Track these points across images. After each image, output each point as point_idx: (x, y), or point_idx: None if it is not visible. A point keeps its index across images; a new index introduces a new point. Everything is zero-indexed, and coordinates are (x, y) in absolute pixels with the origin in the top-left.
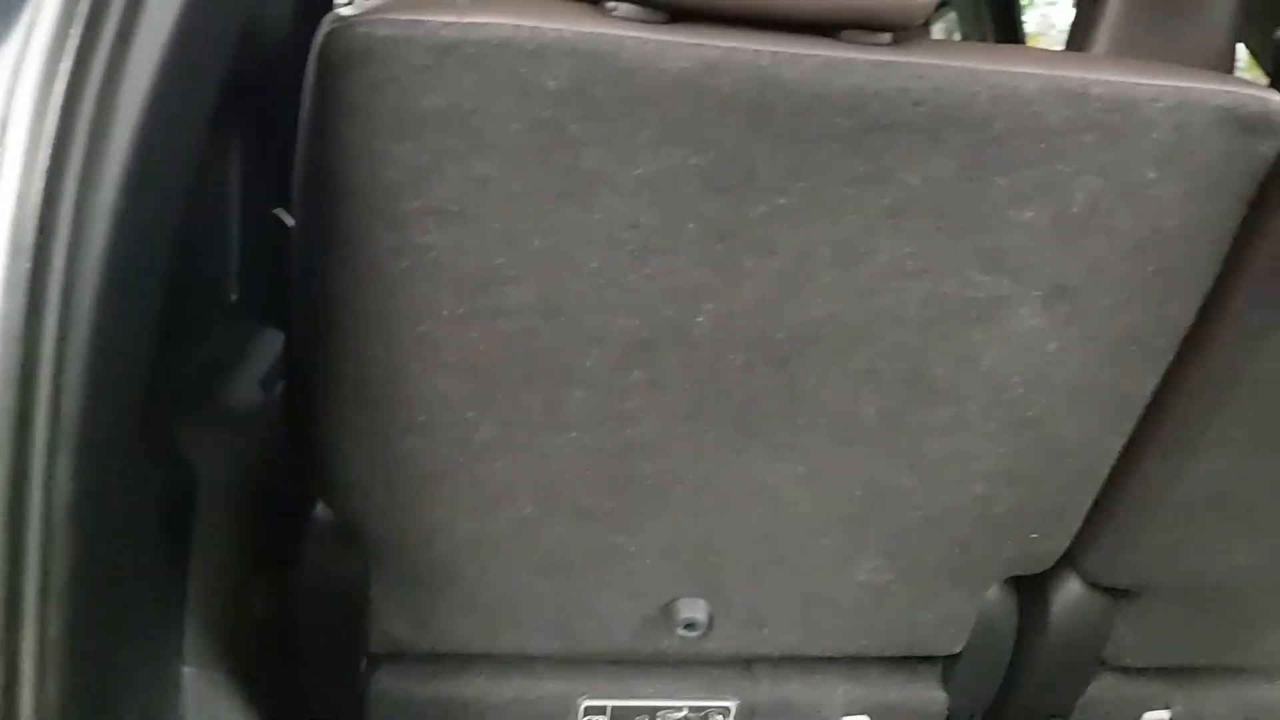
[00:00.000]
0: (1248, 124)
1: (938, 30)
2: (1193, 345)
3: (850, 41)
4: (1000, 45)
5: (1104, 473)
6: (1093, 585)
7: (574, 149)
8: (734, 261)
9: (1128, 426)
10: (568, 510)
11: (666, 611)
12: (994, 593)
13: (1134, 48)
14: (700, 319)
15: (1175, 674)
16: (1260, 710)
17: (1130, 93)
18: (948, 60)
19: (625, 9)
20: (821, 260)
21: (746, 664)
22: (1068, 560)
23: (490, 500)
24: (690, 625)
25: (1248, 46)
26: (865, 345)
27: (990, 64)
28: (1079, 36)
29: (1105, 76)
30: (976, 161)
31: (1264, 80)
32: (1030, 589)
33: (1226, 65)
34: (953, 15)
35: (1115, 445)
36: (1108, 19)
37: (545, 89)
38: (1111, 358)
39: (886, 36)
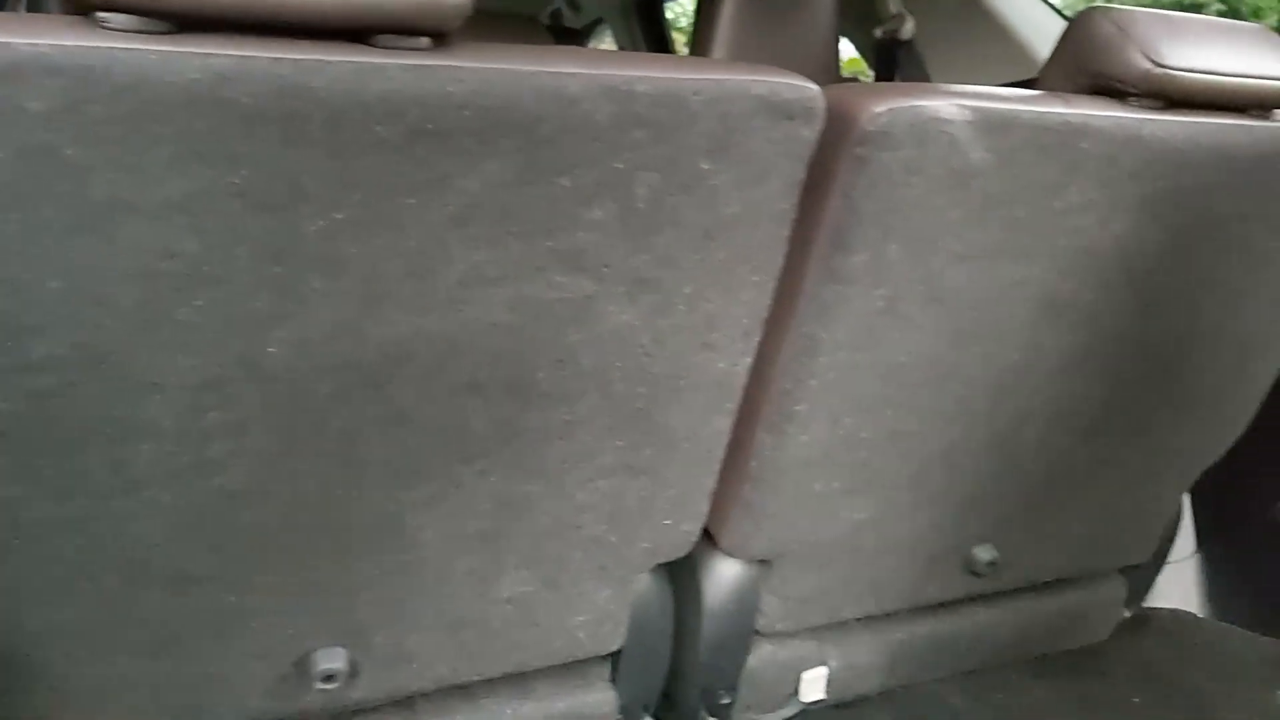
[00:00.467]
0: (786, 110)
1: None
2: (775, 323)
3: (386, 47)
4: (553, 48)
5: (720, 452)
6: (736, 560)
7: (77, 176)
8: (299, 284)
9: (731, 406)
10: (162, 579)
11: (301, 667)
12: (645, 583)
13: (746, 51)
14: (273, 349)
15: (825, 630)
16: (905, 648)
17: (673, 88)
18: (489, 63)
19: (120, 20)
20: (395, 274)
21: (406, 703)
22: (710, 540)
23: (63, 583)
24: (330, 677)
25: (854, 44)
26: (462, 357)
27: (533, 65)
28: (699, 48)
29: (649, 73)
30: (533, 163)
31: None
32: (681, 573)
33: (831, 61)
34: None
35: (724, 425)
36: (721, 29)
37: (28, 112)
38: (702, 344)
39: (424, 41)
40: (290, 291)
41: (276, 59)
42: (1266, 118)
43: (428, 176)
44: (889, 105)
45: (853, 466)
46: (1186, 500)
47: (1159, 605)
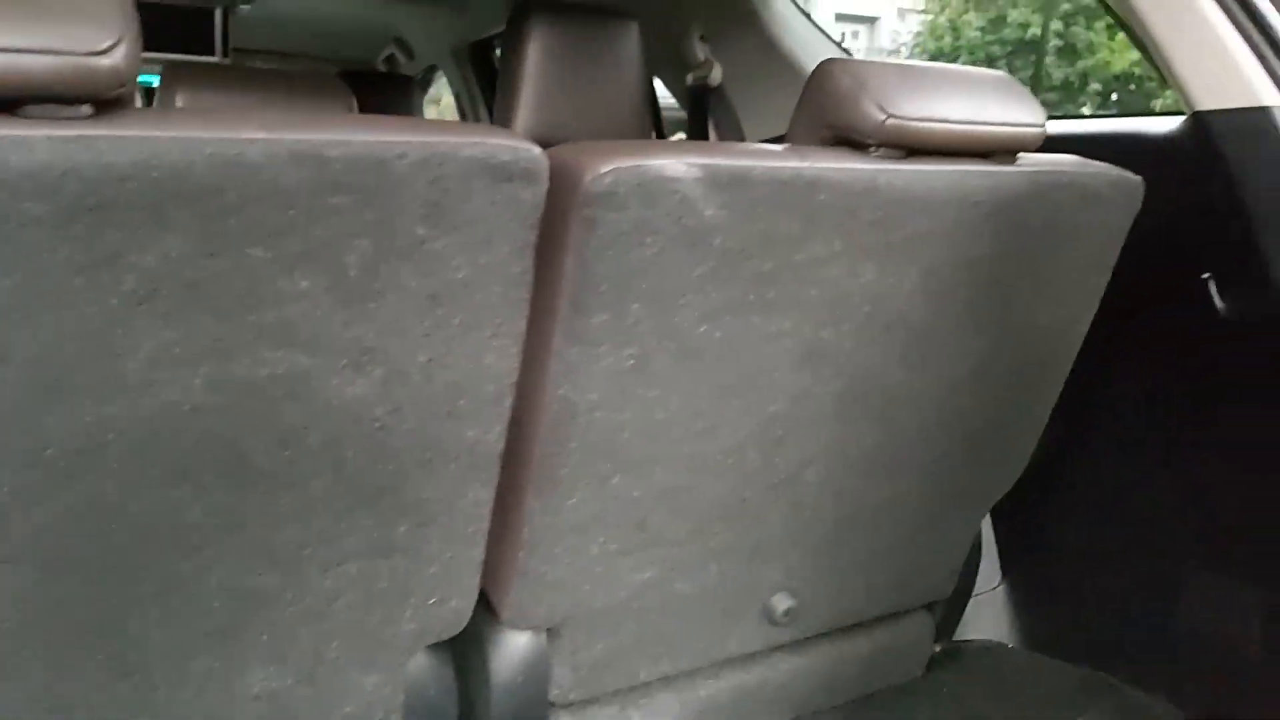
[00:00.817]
0: (504, 172)
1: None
2: (528, 386)
3: (39, 118)
4: (238, 113)
5: (484, 523)
6: (520, 630)
7: None
8: None
9: (490, 475)
10: None
11: None
12: (420, 664)
13: (552, 102)
14: None
15: (625, 694)
16: (710, 704)
17: (372, 151)
18: (156, 130)
19: None
20: (71, 359)
21: None
22: (492, 612)
23: None
24: None
25: (669, 89)
26: (164, 444)
27: (208, 131)
28: (503, 101)
29: (342, 136)
30: (217, 235)
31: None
32: (464, 649)
33: (643, 108)
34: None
35: (484, 495)
36: (526, 81)
37: None
38: (447, 413)
39: (85, 109)
40: None
41: None
42: (1010, 162)
43: (94, 255)
44: (613, 166)
45: (628, 526)
46: (990, 531)
47: (970, 638)
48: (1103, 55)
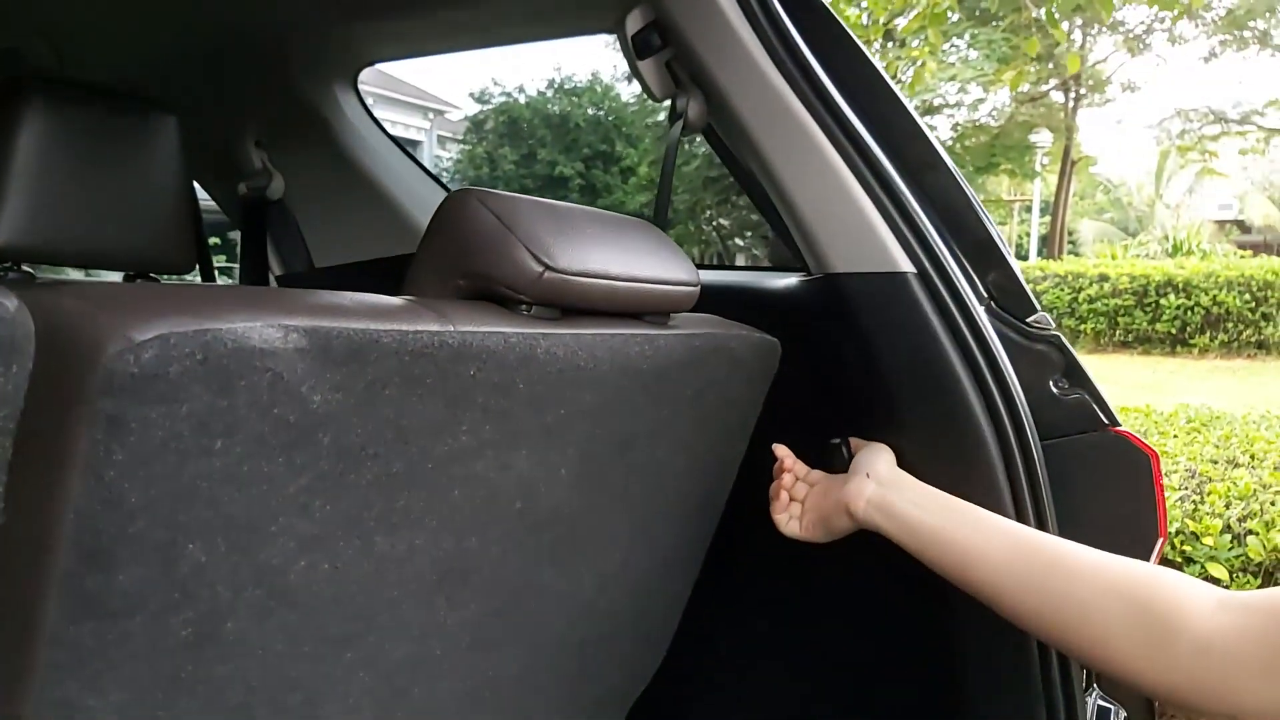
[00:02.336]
0: None
1: None
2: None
3: None
4: None
5: None
6: None
7: None
8: None
9: None
10: None
11: None
12: None
13: (55, 209)
14: None
15: None
16: None
17: None
18: None
19: None
20: None
21: None
22: None
23: None
24: None
25: (216, 200)
26: None
27: None
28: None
29: None
30: None
31: None
32: None
33: (185, 223)
34: None
35: None
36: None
37: None
38: None
39: None
40: None
41: None
42: (664, 324)
43: None
44: (160, 331)
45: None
46: None
47: None
48: (617, 195)
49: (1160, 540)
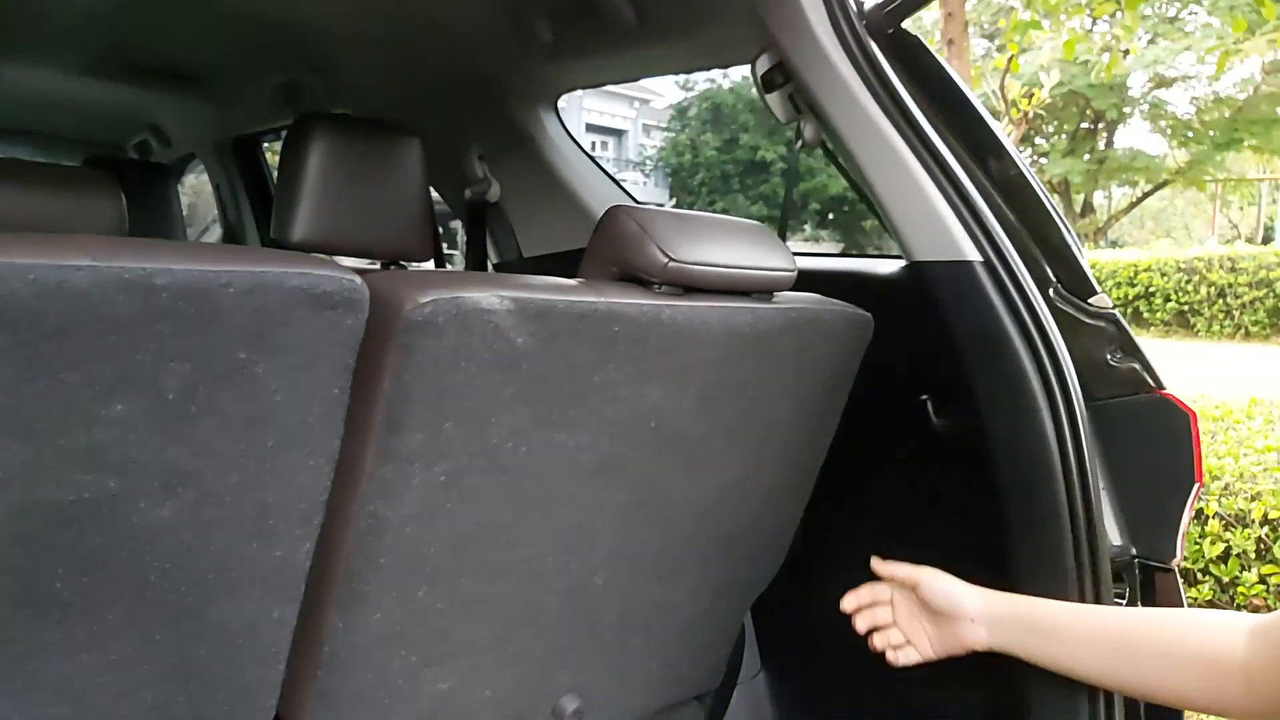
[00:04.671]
0: (327, 301)
1: None
2: (338, 504)
3: None
4: (58, 236)
5: (285, 643)
6: None
7: None
8: None
9: (295, 593)
10: None
11: None
12: None
13: (331, 211)
14: None
15: None
16: None
17: (200, 281)
18: None
19: None
20: None
21: None
22: None
23: None
24: None
25: (446, 203)
26: None
27: (32, 256)
28: (281, 212)
29: (171, 265)
30: (34, 360)
31: None
32: None
33: (424, 222)
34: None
35: (288, 614)
36: (306, 191)
37: None
38: (255, 533)
39: None
40: None
41: None
42: (767, 300)
43: None
44: (433, 297)
45: (430, 638)
46: (750, 624)
47: None
48: (821, 179)
49: (1197, 486)
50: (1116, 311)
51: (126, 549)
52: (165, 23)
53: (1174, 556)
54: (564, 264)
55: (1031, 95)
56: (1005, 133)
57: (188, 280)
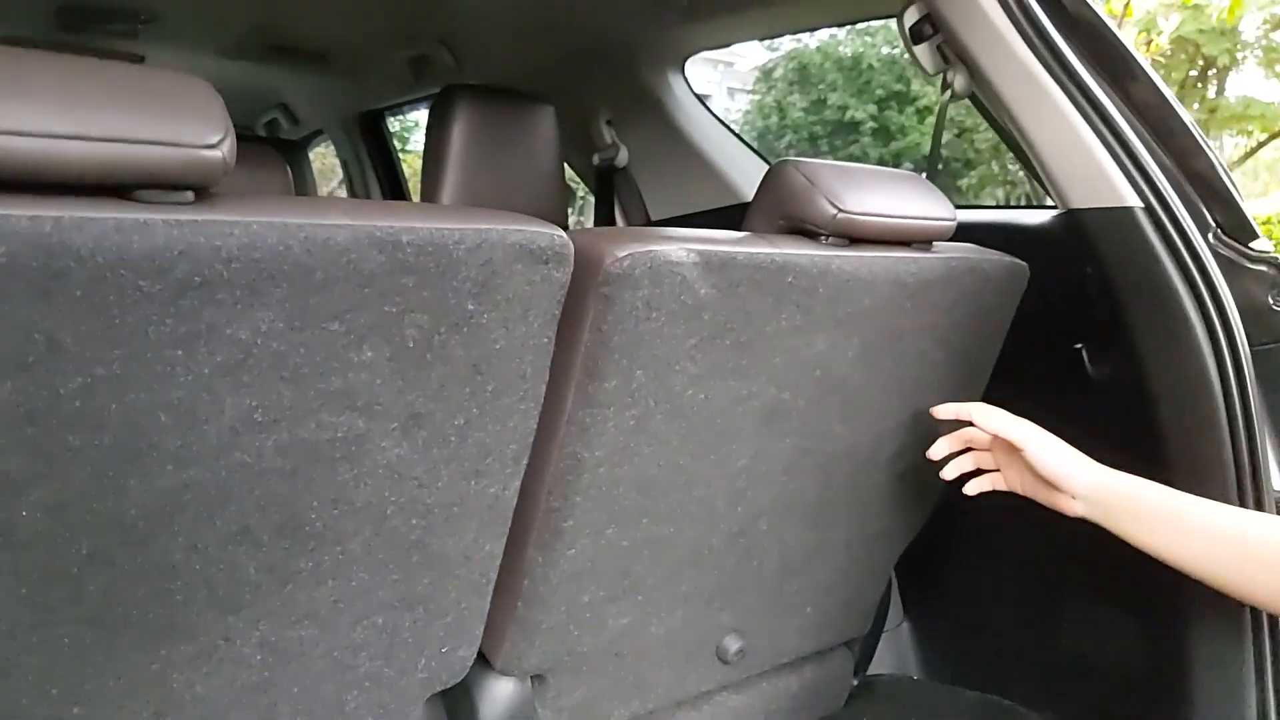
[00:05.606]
0: (541, 256)
1: None
2: (541, 446)
3: (148, 202)
4: (322, 199)
5: (493, 575)
6: (510, 678)
7: None
8: (54, 443)
9: (503, 528)
10: None
11: None
12: (419, 714)
13: (474, 179)
14: (25, 513)
15: None
16: None
17: (438, 238)
18: (257, 216)
19: None
20: (160, 426)
21: None
22: (484, 661)
23: None
24: None
25: (574, 169)
26: (232, 505)
27: (302, 217)
28: (429, 178)
29: (414, 224)
30: (303, 311)
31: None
32: (456, 698)
33: (557, 187)
34: None
35: (498, 548)
36: (451, 160)
37: None
38: (474, 471)
39: (188, 195)
40: (44, 452)
41: (34, 216)
42: (927, 250)
43: (193, 328)
44: (629, 250)
45: (615, 575)
46: (895, 576)
47: (880, 672)
48: (912, 138)
49: None
50: (1277, 255)
51: (370, 484)
52: (301, 4)
53: None
54: (694, 225)
55: (1150, 43)
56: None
57: (428, 237)
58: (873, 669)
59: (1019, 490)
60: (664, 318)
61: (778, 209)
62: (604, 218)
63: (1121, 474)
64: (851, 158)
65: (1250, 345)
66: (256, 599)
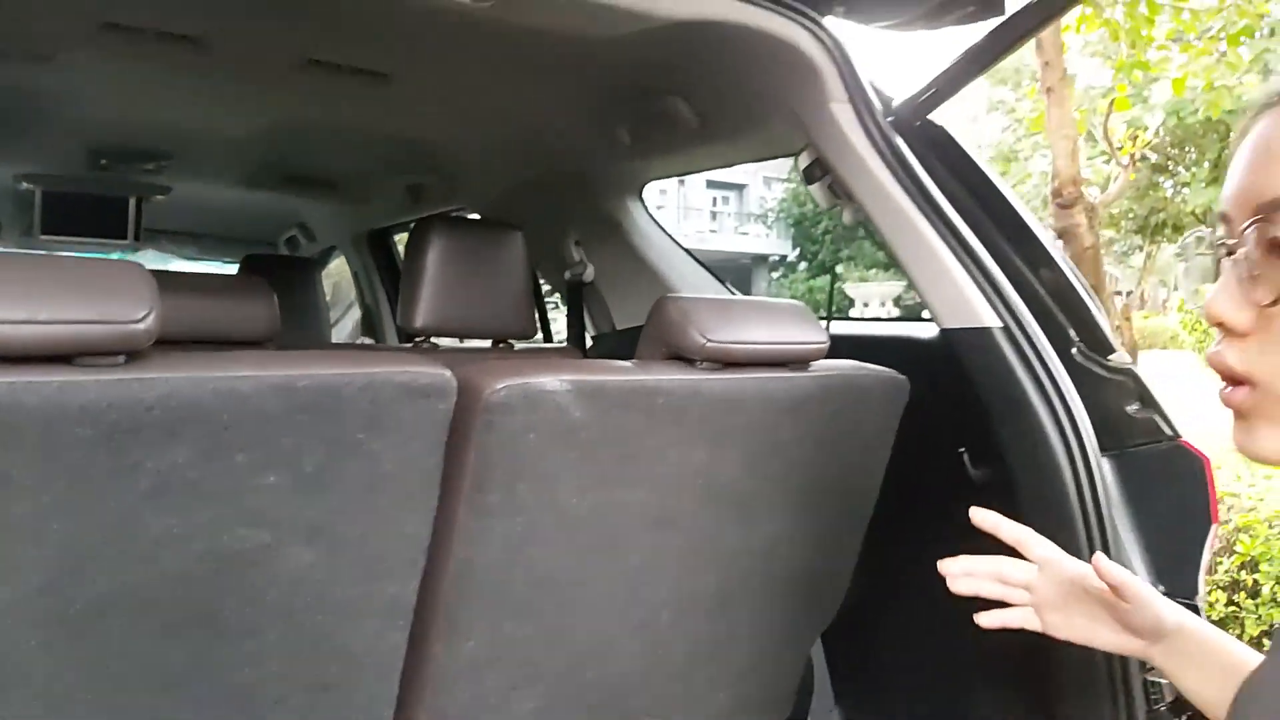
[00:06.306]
0: (424, 392)
1: None
2: (438, 549)
3: (86, 365)
4: (229, 354)
5: (399, 664)
6: None
7: None
8: (9, 554)
9: (405, 623)
10: None
11: None
12: None
13: (450, 296)
14: None
15: None
16: None
17: (329, 381)
18: (174, 372)
19: None
20: (96, 541)
21: None
22: None
23: None
24: None
25: (549, 284)
26: (159, 604)
27: (212, 371)
28: (407, 297)
29: (309, 371)
30: (214, 446)
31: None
32: None
33: (526, 302)
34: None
35: (400, 640)
36: (427, 279)
37: None
38: (373, 574)
39: (120, 359)
40: (3, 560)
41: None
42: (803, 369)
43: (123, 463)
44: (506, 383)
45: (517, 664)
46: (823, 659)
47: None
48: None
49: (1214, 525)
50: (1134, 367)
51: (279, 586)
52: (312, 141)
53: (1196, 593)
54: None
55: (1136, 138)
56: (1025, 211)
57: (321, 381)
58: None
59: (1065, 635)
60: (543, 438)
61: (660, 338)
62: (575, 326)
63: (1189, 615)
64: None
65: (1112, 449)
66: (183, 683)
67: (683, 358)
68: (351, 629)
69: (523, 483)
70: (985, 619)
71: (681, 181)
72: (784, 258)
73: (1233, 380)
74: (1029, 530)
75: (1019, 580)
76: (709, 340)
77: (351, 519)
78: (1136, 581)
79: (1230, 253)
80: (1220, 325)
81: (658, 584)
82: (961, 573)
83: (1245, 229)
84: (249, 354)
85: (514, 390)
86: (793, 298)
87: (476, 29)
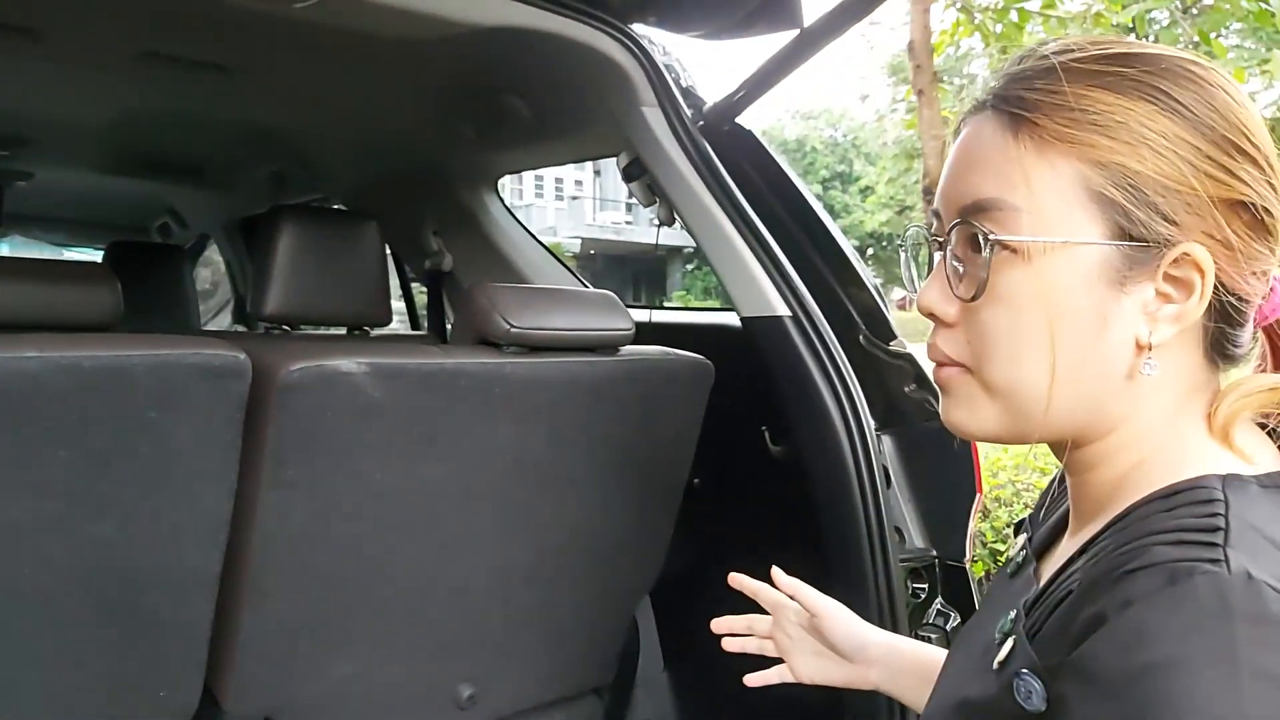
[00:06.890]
0: (218, 373)
1: None
2: (242, 521)
3: None
4: (21, 336)
5: (206, 630)
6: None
7: None
8: None
9: (211, 591)
10: None
11: None
12: None
13: (302, 283)
14: None
15: None
16: None
17: (117, 362)
18: None
19: None
20: None
21: None
22: (214, 703)
23: None
24: None
25: (412, 271)
26: None
27: (2, 351)
28: (258, 281)
29: (95, 351)
30: (4, 422)
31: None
32: None
33: (380, 289)
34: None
35: (206, 608)
36: (277, 266)
37: None
38: (172, 545)
39: None
40: None
41: None
42: (611, 354)
43: None
44: (301, 365)
45: (329, 629)
46: (653, 627)
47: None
48: (856, 215)
49: (979, 495)
50: (911, 353)
51: (77, 556)
52: (166, 129)
53: (964, 555)
54: None
55: None
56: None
57: (108, 362)
58: (634, 717)
59: (807, 678)
60: (341, 416)
61: (470, 325)
62: (435, 313)
63: (900, 637)
64: None
65: (892, 427)
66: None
67: (490, 342)
68: (154, 598)
69: (322, 459)
70: (750, 680)
71: (598, 172)
72: (697, 249)
73: (950, 366)
74: (800, 584)
75: (763, 632)
76: (513, 326)
77: (145, 493)
78: (811, 590)
79: (941, 247)
80: (931, 316)
81: (471, 554)
82: (726, 631)
83: (950, 229)
84: (41, 336)
85: (309, 372)
86: (705, 289)
87: (307, 27)
